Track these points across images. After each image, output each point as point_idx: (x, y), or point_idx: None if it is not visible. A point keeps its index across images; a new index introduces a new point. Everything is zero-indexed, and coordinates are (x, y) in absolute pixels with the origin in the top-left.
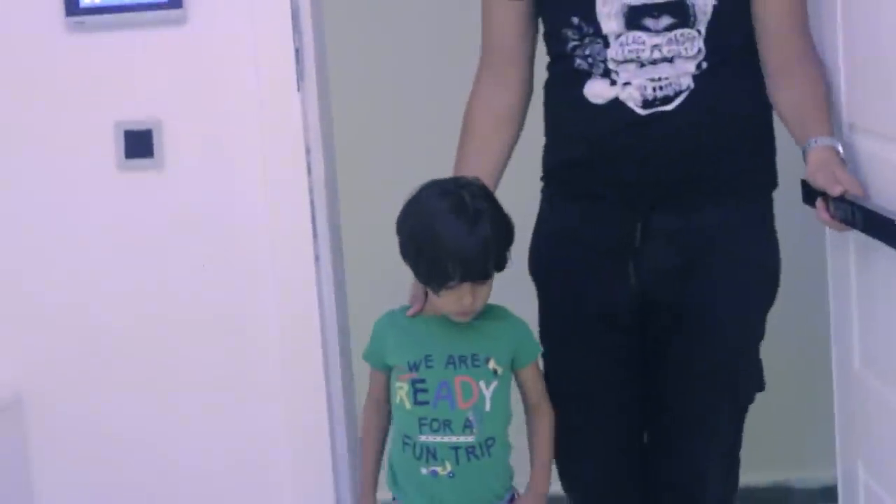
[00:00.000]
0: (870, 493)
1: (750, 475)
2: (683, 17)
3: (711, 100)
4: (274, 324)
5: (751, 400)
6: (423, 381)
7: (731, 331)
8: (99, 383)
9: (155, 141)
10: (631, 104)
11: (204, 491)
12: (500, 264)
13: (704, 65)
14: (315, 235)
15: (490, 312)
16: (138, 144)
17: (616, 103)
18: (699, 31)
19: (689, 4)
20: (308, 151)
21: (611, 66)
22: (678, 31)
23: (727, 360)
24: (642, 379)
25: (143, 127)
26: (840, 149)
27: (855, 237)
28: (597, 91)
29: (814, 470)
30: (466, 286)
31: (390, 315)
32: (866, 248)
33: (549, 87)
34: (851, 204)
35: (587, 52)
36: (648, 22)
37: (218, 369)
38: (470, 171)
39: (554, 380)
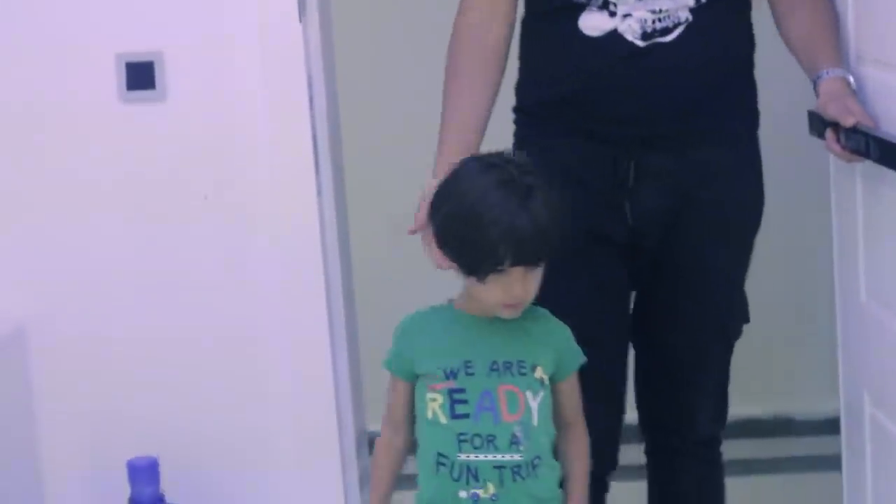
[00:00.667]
0: (875, 423)
1: (751, 407)
2: None
3: (709, 34)
4: (275, 255)
5: (738, 335)
6: (462, 390)
7: (722, 274)
8: (101, 315)
9: (157, 72)
10: (629, 36)
11: (208, 416)
12: (554, 246)
13: None
14: (317, 168)
15: (531, 313)
16: (140, 76)
17: (614, 35)
18: None
19: None
20: (310, 83)
21: None
22: None
23: (719, 303)
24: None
25: (144, 59)
26: (851, 79)
27: (862, 168)
28: (594, 23)
29: (816, 402)
30: (518, 272)
31: (419, 316)
32: (874, 179)
33: (532, 21)
34: (865, 134)
35: None
36: None
37: (220, 299)
38: (464, 110)
39: None
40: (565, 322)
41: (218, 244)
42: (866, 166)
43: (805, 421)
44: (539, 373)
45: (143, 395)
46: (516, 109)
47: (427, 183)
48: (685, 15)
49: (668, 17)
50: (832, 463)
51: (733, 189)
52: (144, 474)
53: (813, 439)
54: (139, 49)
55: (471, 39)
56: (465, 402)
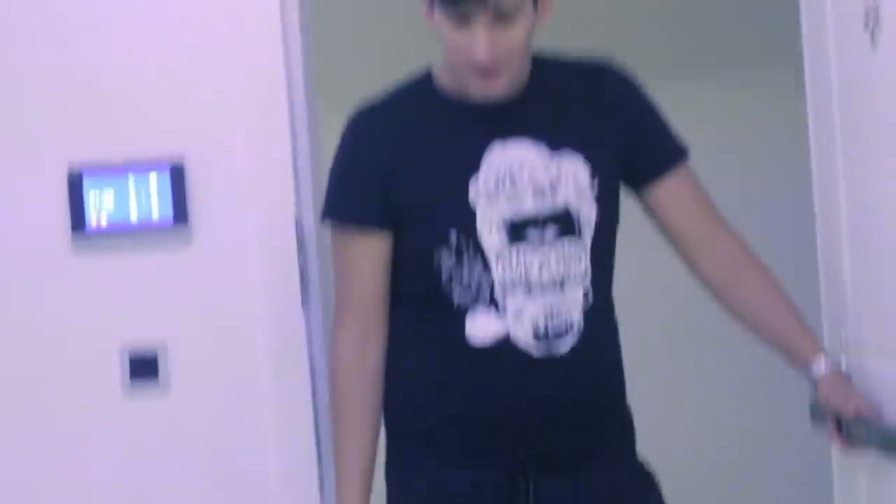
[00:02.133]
0: None
1: None
2: (569, 229)
3: (599, 343)
4: None
5: None
6: None
7: None
8: None
9: (160, 363)
10: (521, 343)
11: None
12: None
13: (591, 294)
14: (320, 462)
15: None
16: (144, 367)
17: (505, 344)
18: (584, 247)
19: (574, 213)
20: (313, 374)
21: (497, 291)
22: (566, 240)
23: None
24: None
25: (148, 349)
26: (844, 366)
27: (865, 460)
28: (482, 327)
29: None
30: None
31: None
32: (877, 471)
33: (405, 329)
34: (867, 424)
35: (465, 278)
36: (533, 234)
37: None
38: (359, 442)
39: None
40: None
41: None
42: (869, 457)
43: None
44: None
45: None
46: (389, 429)
47: None
48: (577, 317)
49: (561, 316)
50: None
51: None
52: None
53: None
54: (143, 340)
55: (348, 369)
56: None
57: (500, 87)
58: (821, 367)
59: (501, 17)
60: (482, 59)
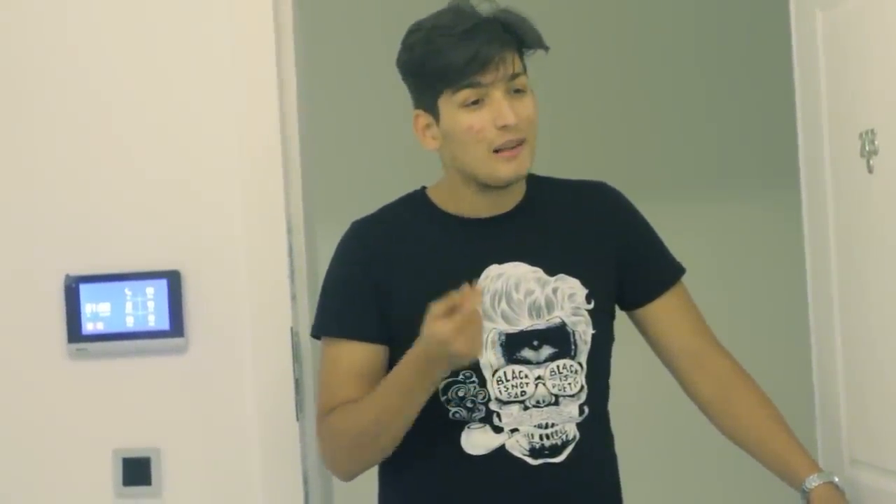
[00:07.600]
0: None
1: None
2: (565, 347)
3: (597, 454)
4: None
5: None
6: None
7: None
8: None
9: (153, 468)
10: (517, 453)
11: None
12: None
13: (586, 409)
14: None
15: None
16: (136, 472)
17: (501, 453)
18: (581, 365)
19: (570, 331)
20: (306, 481)
21: (493, 407)
22: (560, 363)
23: None
24: None
25: (141, 454)
26: (837, 480)
27: None
28: (477, 440)
29: None
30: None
31: None
32: None
33: (402, 443)
34: None
35: (461, 393)
36: (529, 353)
37: None
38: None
39: None
40: None
41: None
42: None
43: None
44: None
45: None
46: None
47: None
48: (573, 431)
49: (557, 433)
50: None
51: None
52: None
53: None
54: (137, 444)
55: (331, 420)
56: None
57: (525, 163)
58: (814, 480)
59: (514, 89)
60: (510, 121)
